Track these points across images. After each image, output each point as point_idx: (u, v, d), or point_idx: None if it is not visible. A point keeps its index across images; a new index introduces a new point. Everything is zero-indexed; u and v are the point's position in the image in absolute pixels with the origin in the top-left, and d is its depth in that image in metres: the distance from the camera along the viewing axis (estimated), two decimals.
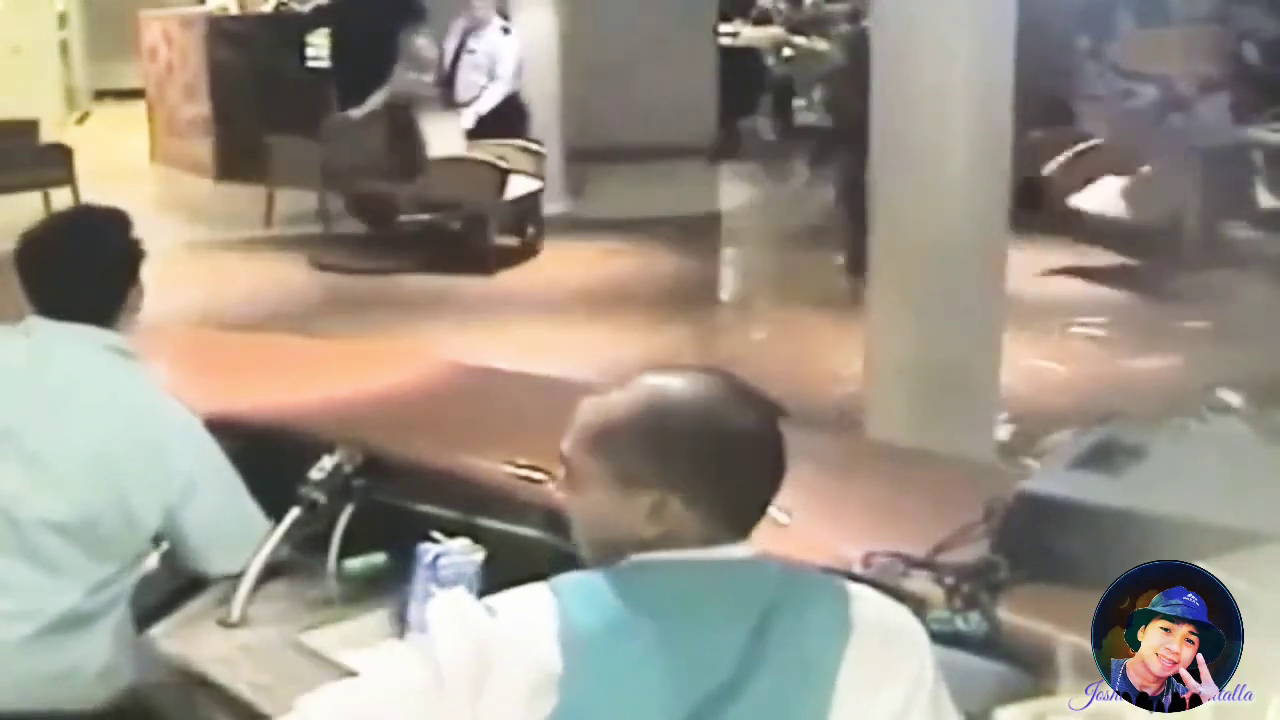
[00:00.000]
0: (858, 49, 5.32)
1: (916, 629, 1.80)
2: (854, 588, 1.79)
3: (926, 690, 1.73)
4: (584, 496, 1.79)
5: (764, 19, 16.31)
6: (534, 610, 1.69)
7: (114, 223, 2.86)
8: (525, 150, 9.68)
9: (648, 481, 1.72)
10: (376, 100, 9.92)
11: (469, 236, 9.57)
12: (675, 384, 1.78)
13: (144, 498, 2.69)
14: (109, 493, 2.66)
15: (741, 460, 1.75)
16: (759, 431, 1.76)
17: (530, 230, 9.77)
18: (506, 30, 10.07)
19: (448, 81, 10.06)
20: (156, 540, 2.82)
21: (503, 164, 9.25)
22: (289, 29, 12.48)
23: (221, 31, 12.47)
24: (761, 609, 1.70)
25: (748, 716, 1.66)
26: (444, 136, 9.52)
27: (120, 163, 12.60)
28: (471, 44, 10.03)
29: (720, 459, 1.74)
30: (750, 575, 1.75)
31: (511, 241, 9.64)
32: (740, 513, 1.76)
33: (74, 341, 2.74)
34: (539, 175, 9.62)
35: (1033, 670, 2.07)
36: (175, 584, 2.83)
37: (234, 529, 2.76)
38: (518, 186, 9.37)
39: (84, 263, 2.78)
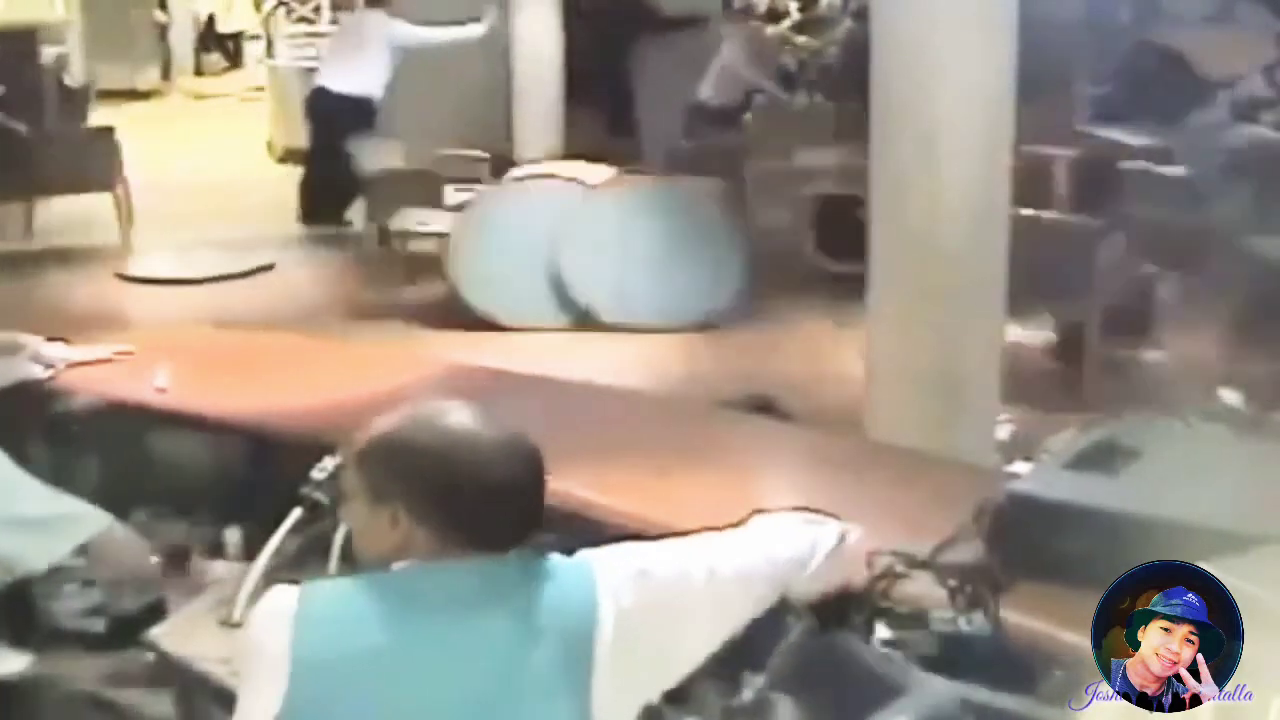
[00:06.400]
0: (863, 47, 5.30)
1: (611, 558, 1.92)
2: (595, 554, 1.93)
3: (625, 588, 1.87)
4: (349, 507, 1.97)
5: (769, 17, 16.28)
6: (273, 605, 1.84)
7: None
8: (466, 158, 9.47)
9: (389, 496, 1.88)
10: None
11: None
12: (429, 412, 1.94)
13: None
14: None
15: (471, 489, 1.87)
16: (493, 466, 1.87)
17: None
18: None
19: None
20: None
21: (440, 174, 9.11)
22: None
23: None
24: (513, 598, 1.84)
25: (531, 703, 1.79)
26: (376, 151, 9.48)
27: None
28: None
29: (448, 484, 1.87)
30: (495, 570, 1.87)
31: None
32: (476, 534, 1.87)
33: None
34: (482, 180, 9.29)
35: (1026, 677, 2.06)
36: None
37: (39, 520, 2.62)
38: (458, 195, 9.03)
39: None
